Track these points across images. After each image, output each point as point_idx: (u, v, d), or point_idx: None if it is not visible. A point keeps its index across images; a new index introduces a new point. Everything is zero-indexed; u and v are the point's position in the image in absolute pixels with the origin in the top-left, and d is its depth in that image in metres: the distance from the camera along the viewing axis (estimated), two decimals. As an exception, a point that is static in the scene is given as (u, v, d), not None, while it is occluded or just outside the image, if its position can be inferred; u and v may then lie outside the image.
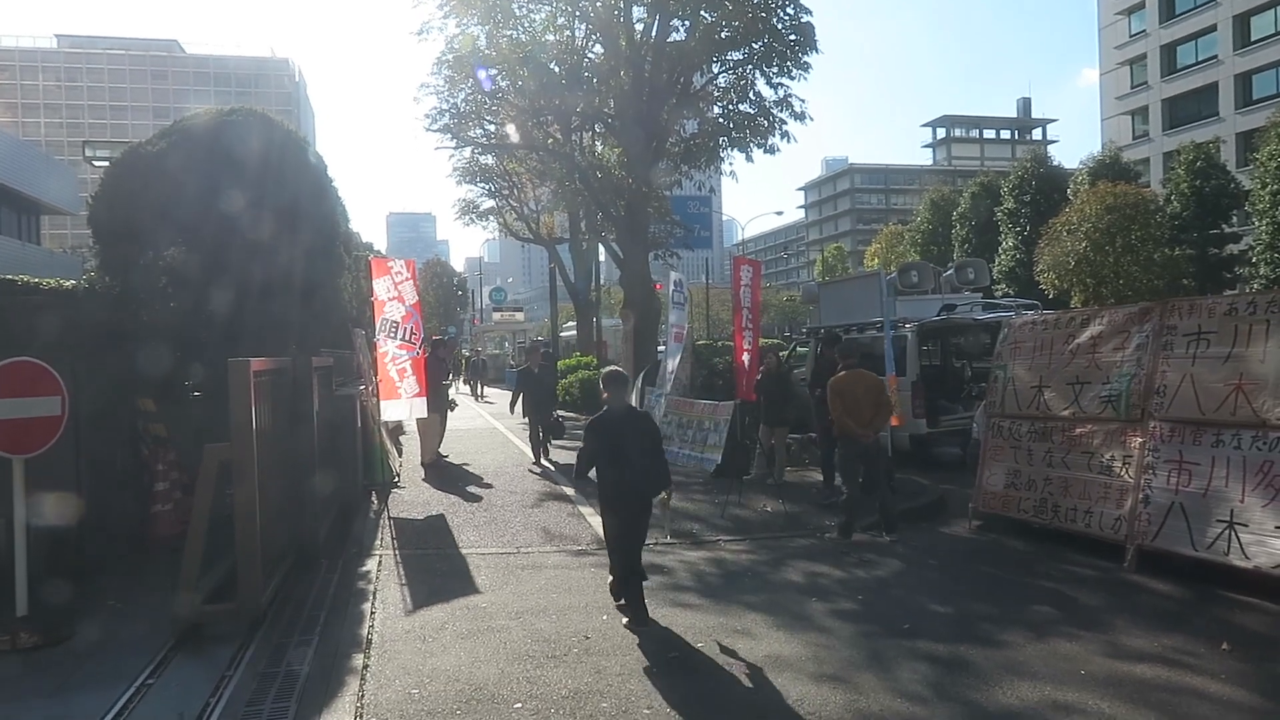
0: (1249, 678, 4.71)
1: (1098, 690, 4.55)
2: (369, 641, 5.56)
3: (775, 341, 20.72)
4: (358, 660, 5.22)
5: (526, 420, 14.10)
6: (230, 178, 8.38)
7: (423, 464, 12.87)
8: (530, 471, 12.53)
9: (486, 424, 20.36)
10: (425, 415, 12.24)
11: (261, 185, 8.55)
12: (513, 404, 15.16)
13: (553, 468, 12.79)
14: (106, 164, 9.91)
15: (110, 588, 6.52)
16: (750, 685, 4.73)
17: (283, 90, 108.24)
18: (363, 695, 4.69)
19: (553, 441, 13.83)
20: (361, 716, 4.43)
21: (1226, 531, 6.17)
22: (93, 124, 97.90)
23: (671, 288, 14.54)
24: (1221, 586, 6.17)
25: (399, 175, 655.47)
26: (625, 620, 5.82)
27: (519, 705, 4.52)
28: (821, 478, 10.47)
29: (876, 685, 4.71)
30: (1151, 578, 6.57)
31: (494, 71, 19.42)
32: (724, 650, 5.29)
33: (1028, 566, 7.26)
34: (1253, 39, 45.97)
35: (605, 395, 6.10)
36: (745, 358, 12.72)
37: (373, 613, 6.16)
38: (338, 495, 9.06)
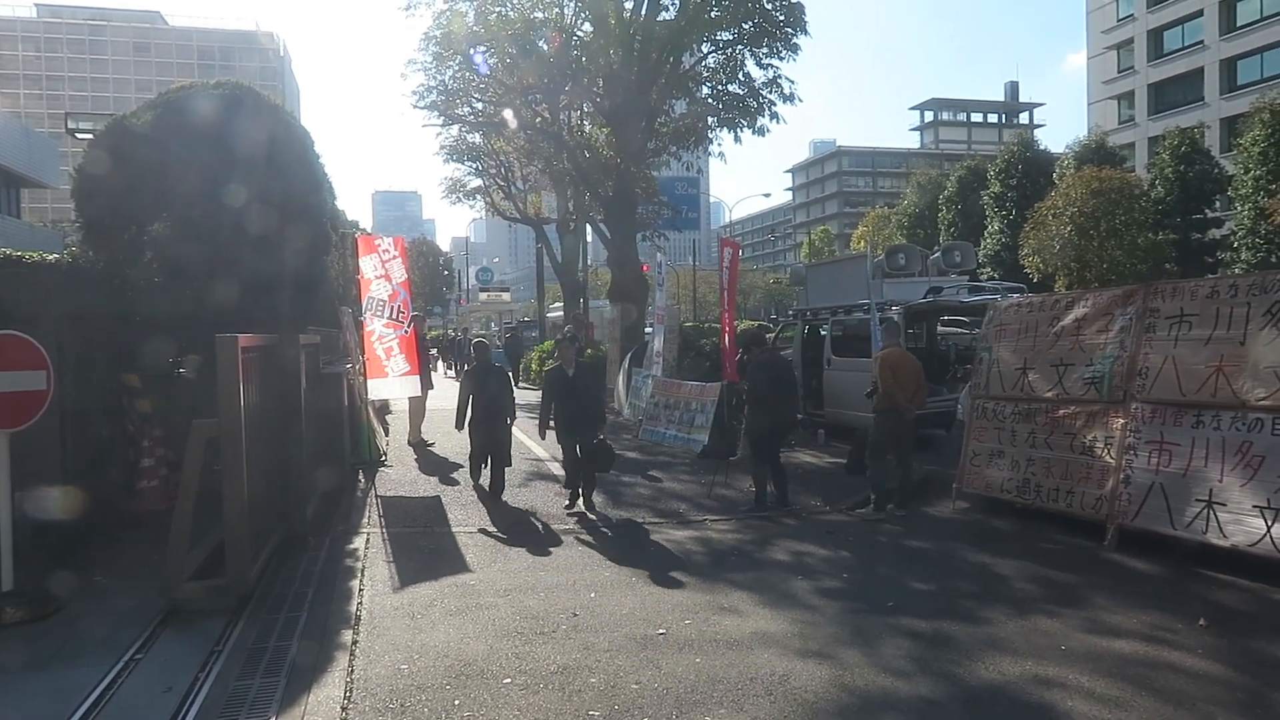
0: (1225, 653, 4.81)
1: (1078, 665, 4.63)
2: (358, 618, 5.58)
3: (760, 323, 20.75)
4: (346, 636, 5.24)
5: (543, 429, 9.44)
6: (216, 153, 8.29)
7: (409, 443, 12.84)
8: (566, 513, 8.66)
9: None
10: (419, 394, 12.24)
11: (249, 161, 8.45)
12: (543, 425, 9.25)
13: (592, 521, 8.40)
14: (89, 136, 9.79)
15: (97, 563, 6.50)
16: (737, 661, 4.78)
17: (267, 64, 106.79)
18: (352, 671, 4.72)
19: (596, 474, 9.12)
20: (351, 692, 4.45)
21: (1205, 511, 6.27)
22: (73, 96, 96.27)
23: (655, 268, 14.59)
24: (1199, 565, 6.28)
25: (385, 152, 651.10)
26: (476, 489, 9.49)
27: (508, 680, 4.55)
28: (761, 486, 8.80)
29: (861, 661, 4.78)
30: (1131, 556, 6.68)
31: (482, 49, 19.25)
32: (710, 627, 5.34)
33: (1010, 545, 7.35)
34: (1238, 24, 46.03)
35: (474, 355, 9.58)
36: (728, 339, 12.80)
37: (361, 590, 6.18)
38: (325, 473, 9.04)
